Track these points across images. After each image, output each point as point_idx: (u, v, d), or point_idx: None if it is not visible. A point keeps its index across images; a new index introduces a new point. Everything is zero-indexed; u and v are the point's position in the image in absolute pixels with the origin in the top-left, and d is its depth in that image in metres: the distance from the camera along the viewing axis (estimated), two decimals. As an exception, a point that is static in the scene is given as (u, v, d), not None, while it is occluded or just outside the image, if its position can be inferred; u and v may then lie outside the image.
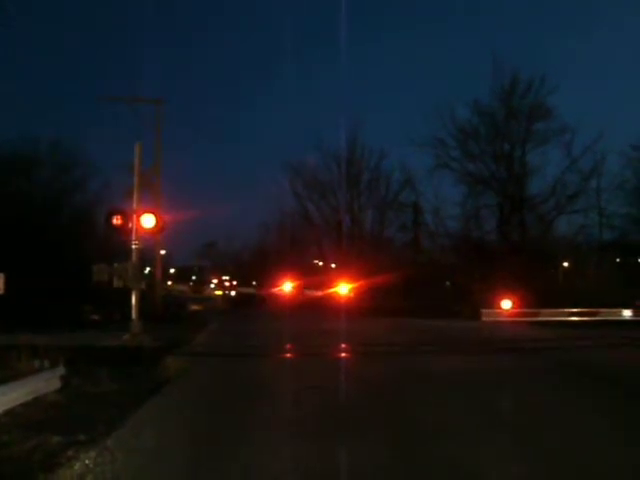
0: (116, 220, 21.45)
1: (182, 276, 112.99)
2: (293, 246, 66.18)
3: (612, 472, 7.08)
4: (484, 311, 37.27)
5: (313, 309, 48.14)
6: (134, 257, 21.95)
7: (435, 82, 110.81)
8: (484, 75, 69.79)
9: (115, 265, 21.91)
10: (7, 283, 18.15)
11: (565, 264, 50.41)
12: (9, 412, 9.49)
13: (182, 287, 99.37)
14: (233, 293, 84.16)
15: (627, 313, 36.29)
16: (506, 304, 37.73)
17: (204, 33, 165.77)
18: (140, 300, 22.22)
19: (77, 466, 7.04)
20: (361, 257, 53.73)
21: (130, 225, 21.75)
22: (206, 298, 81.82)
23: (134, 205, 22.54)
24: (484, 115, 50.67)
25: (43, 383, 11.00)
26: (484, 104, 50.31)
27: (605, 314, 35.63)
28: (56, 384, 11.42)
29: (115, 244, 28.65)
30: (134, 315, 21.85)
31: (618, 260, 52.41)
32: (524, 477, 6.92)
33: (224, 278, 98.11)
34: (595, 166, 48.05)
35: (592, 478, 6.91)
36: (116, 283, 21.79)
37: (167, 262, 66.37)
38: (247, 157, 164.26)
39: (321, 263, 66.46)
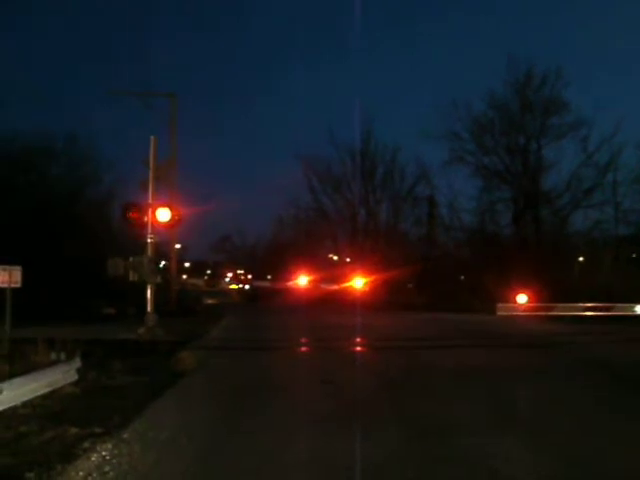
0: (132, 214, 21.54)
1: (197, 270, 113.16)
2: (308, 240, 66.11)
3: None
4: (499, 305, 37.20)
5: (328, 303, 48.19)
6: (149, 251, 22.03)
7: (450, 76, 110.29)
8: (499, 69, 69.61)
9: (130, 259, 21.99)
10: (23, 277, 18.24)
11: (580, 259, 50.14)
12: (27, 404, 9.57)
13: (197, 281, 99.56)
14: (247, 287, 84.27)
15: (639, 309, 36.09)
16: (521, 298, 37.64)
17: (218, 28, 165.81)
18: (155, 294, 22.31)
19: (94, 457, 7.10)
20: (376, 251, 53.67)
21: (145, 219, 21.82)
22: (221, 292, 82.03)
23: (149, 199, 22.61)
24: (499, 108, 50.53)
25: (60, 375, 11.08)
26: (499, 97, 50.18)
27: (620, 309, 35.47)
28: (73, 376, 11.50)
29: (130, 238, 28.74)
30: (149, 309, 21.94)
31: (634, 255, 52.06)
32: (532, 467, 6.91)
33: (239, 272, 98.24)
34: (611, 160, 47.73)
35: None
36: (131, 277, 21.88)
37: (182, 256, 66.48)
38: (262, 151, 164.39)
39: (336, 257, 66.40)
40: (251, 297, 67.24)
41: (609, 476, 6.78)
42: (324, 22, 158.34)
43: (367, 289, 51.31)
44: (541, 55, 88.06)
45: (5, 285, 16.43)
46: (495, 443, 7.83)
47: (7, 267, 16.73)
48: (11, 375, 10.17)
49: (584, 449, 7.72)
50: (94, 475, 6.52)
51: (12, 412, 9.11)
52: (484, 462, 6.99)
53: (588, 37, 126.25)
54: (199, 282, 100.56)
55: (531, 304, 37.38)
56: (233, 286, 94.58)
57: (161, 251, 30.99)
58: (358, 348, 20.72)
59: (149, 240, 22.13)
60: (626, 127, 56.70)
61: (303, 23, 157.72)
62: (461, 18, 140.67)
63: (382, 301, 44.49)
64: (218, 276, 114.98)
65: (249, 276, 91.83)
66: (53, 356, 12.61)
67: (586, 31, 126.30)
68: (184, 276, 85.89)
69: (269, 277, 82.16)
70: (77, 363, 11.99)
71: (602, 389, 12.48)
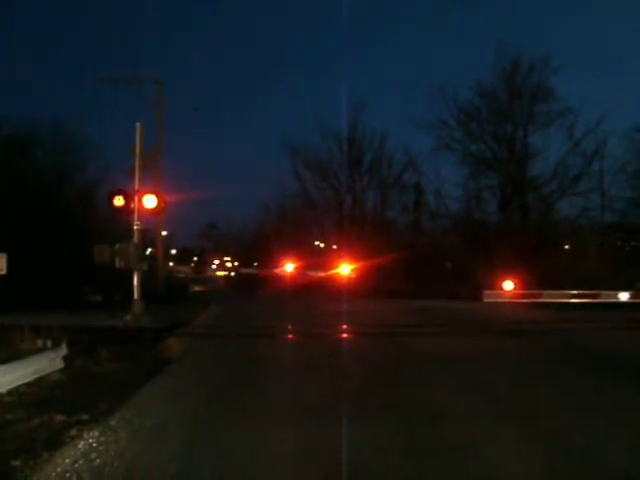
0: (118, 201, 21.44)
1: (184, 257, 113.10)
2: (294, 227, 66.04)
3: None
4: (486, 292, 37.33)
5: (315, 290, 48.21)
6: (136, 238, 21.96)
7: (438, 63, 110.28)
8: (487, 56, 69.68)
9: (117, 246, 21.91)
10: (8, 264, 18.14)
11: (567, 246, 50.40)
12: (13, 391, 9.55)
13: (184, 268, 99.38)
14: (232, 274, 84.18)
15: (624, 296, 36.31)
16: (508, 285, 37.79)
17: (205, 15, 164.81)
18: (142, 281, 22.26)
19: (80, 445, 7.10)
20: (363, 238, 53.65)
21: (132, 206, 21.74)
22: (208, 279, 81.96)
23: (136, 186, 22.54)
24: (486, 96, 50.54)
25: (46, 363, 11.05)
26: (487, 85, 50.18)
27: (605, 296, 35.69)
28: (59, 364, 11.48)
29: (117, 225, 28.62)
30: (136, 296, 21.89)
31: (619, 243, 52.38)
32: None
33: (225, 259, 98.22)
34: (597, 148, 47.88)
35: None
36: (118, 264, 21.80)
37: (169, 243, 66.23)
38: (249, 138, 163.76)
39: (322, 244, 66.39)
40: (238, 284, 67.07)
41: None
42: (313, 10, 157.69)
43: (354, 276, 51.38)
44: (529, 43, 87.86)
45: (-10, 272, 16.38)
46: (471, 423, 7.93)
47: (-8, 254, 16.67)
48: (-4, 362, 10.14)
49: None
50: (81, 462, 6.51)
51: (-2, 399, 9.09)
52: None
53: (576, 26, 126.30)
54: (186, 269, 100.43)
55: (517, 291, 37.53)
56: (220, 273, 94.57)
57: (148, 238, 30.90)
58: (345, 335, 20.82)
59: (135, 227, 22.06)
60: (612, 115, 56.79)
61: (292, 11, 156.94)
62: (452, 4, 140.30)
63: (369, 288, 44.53)
64: (205, 263, 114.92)
65: (236, 263, 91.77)
66: (39, 343, 12.57)
67: (574, 20, 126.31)
68: (171, 263, 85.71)
69: (256, 264, 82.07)
70: (63, 350, 11.96)
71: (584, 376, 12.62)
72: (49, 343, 12.48)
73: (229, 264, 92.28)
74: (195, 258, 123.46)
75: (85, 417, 8.18)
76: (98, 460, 6.59)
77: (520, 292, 37.37)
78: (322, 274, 56.65)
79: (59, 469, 6.33)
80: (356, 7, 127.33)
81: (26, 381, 10.09)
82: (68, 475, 6.18)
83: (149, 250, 34.50)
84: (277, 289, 51.98)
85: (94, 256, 21.97)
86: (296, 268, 64.86)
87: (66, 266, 30.29)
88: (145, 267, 23.37)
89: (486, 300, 36.54)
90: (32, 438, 7.26)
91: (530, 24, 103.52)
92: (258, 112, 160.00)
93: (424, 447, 7.22)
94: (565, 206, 51.03)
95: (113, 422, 8.09)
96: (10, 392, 9.47)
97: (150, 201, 21.90)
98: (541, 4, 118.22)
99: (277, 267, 68.43)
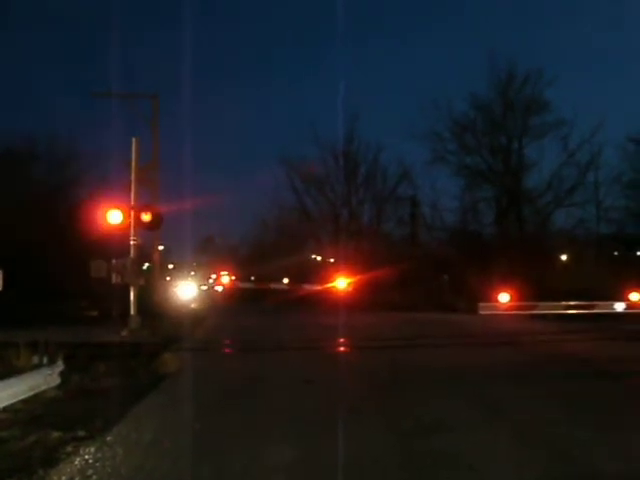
0: (114, 216, 21.46)
1: (180, 272, 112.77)
2: (291, 240, 66.01)
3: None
4: (481, 304, 37.22)
5: (311, 303, 48.17)
6: (132, 253, 21.99)
7: (432, 75, 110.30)
8: (481, 68, 69.99)
9: (113, 261, 21.94)
10: (4, 279, 18.14)
11: (563, 257, 50.47)
12: (8, 408, 9.51)
13: (182, 282, 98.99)
14: (220, 289, 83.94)
15: (619, 306, 36.25)
16: (503, 297, 37.71)
17: (200, 24, 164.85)
18: (138, 296, 22.26)
19: (77, 461, 7.09)
20: (359, 251, 53.72)
21: (128, 221, 21.77)
22: (204, 294, 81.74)
23: (132, 200, 22.57)
24: (481, 108, 50.74)
25: (42, 379, 11.02)
26: (481, 97, 50.40)
27: (601, 307, 35.65)
28: (55, 380, 11.45)
29: (113, 240, 28.66)
30: (132, 311, 21.89)
31: (616, 253, 52.46)
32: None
33: (222, 273, 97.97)
34: (592, 159, 48.10)
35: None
36: (115, 279, 21.83)
37: (165, 258, 66.22)
38: (244, 151, 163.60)
39: (319, 257, 66.35)
40: (235, 298, 66.93)
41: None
42: (308, 22, 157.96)
43: (350, 289, 51.30)
44: (523, 55, 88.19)
45: (-14, 288, 16.37)
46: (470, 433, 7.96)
47: (-12, 270, 16.66)
48: (-8, 379, 10.11)
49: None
50: (77, 479, 6.51)
51: (-7, 417, 9.07)
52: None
53: (569, 37, 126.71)
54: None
55: (513, 303, 37.43)
56: (217, 287, 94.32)
57: (144, 253, 30.87)
58: (341, 348, 20.80)
59: (132, 242, 22.09)
60: (606, 126, 56.80)
61: (287, 21, 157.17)
62: (446, 16, 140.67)
63: (365, 301, 44.50)
64: (202, 278, 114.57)
65: (233, 277, 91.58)
66: (35, 359, 12.53)
67: (566, 31, 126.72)
68: (167, 277, 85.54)
69: (252, 278, 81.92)
70: (60, 366, 11.93)
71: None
72: (45, 359, 12.45)
73: (226, 278, 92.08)
74: (192, 273, 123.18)
75: (81, 433, 8.16)
76: (94, 477, 6.58)
77: (515, 304, 37.29)
78: (319, 287, 56.56)
79: (55, 486, 6.33)
80: (352, 17, 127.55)
81: (22, 398, 10.06)
82: (64, 492, 6.19)
83: (146, 265, 34.44)
84: (274, 303, 51.89)
85: (91, 271, 22.02)
86: (292, 282, 64.78)
87: (63, 281, 30.27)
88: (142, 282, 23.38)
89: (481, 312, 36.49)
90: (27, 455, 7.23)
91: (524, 34, 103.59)
92: (254, 120, 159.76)
93: (422, 456, 7.25)
94: (561, 217, 51.18)
95: (109, 438, 8.08)
96: (5, 409, 9.44)
97: (146, 216, 21.95)
98: (536, 12, 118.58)
99: (274, 281, 68.34)
